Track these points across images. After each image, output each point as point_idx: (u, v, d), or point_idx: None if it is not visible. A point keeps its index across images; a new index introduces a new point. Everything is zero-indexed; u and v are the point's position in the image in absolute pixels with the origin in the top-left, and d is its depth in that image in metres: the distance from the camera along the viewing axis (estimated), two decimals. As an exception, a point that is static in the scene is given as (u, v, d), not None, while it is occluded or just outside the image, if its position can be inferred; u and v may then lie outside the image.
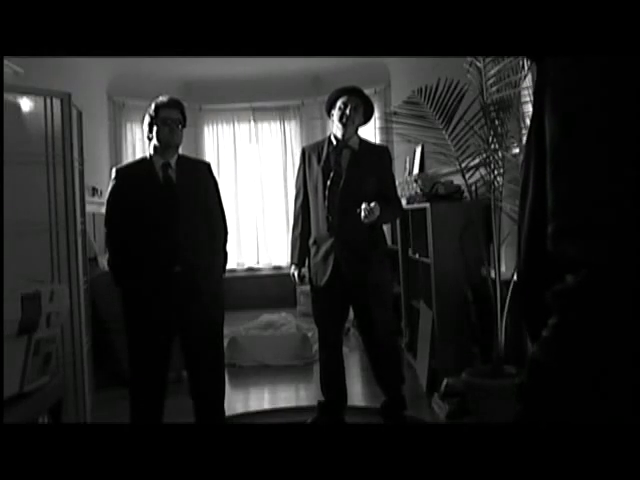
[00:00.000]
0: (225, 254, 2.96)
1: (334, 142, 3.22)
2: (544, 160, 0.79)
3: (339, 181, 3.13)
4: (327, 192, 3.15)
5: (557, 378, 0.74)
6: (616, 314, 0.70)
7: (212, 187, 2.93)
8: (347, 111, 3.14)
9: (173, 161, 2.80)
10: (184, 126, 2.85)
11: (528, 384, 0.80)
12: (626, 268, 0.69)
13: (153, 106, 2.81)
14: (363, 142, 3.26)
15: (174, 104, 2.83)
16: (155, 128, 2.79)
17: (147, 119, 2.82)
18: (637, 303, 0.68)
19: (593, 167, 0.72)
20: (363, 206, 2.98)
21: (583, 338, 0.72)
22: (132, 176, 2.82)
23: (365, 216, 2.98)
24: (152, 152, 2.82)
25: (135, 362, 2.79)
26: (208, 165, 3.01)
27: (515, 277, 3.28)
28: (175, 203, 2.75)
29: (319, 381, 3.45)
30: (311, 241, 3.26)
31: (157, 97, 2.87)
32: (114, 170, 2.87)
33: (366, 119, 3.26)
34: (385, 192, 3.19)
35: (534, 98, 0.86)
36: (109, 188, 2.85)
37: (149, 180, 2.77)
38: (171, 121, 2.77)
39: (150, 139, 2.82)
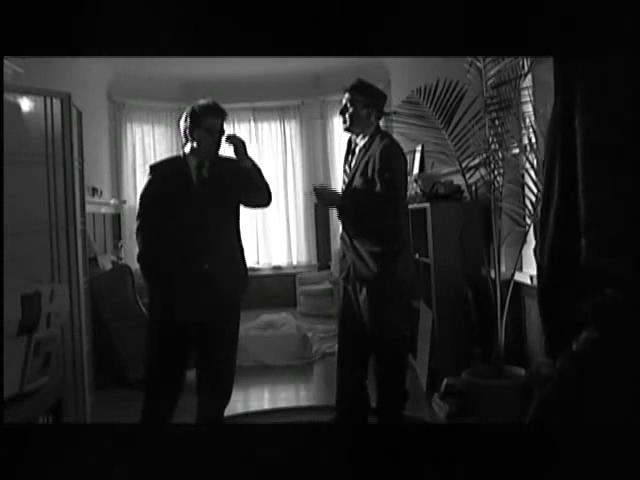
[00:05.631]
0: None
1: (352, 140, 3.14)
2: (572, 165, 0.75)
3: (346, 180, 3.12)
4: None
5: (588, 392, 0.72)
6: None
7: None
8: (346, 115, 3.03)
9: (208, 161, 2.77)
10: (223, 133, 2.77)
11: (552, 396, 0.77)
12: None
13: (198, 110, 2.71)
14: (372, 137, 3.03)
15: (219, 112, 2.73)
16: (197, 135, 2.71)
17: (188, 121, 2.72)
18: None
19: (635, 175, 0.68)
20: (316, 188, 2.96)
21: (621, 355, 0.69)
22: (166, 173, 2.79)
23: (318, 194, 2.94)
24: (188, 152, 2.77)
25: (153, 357, 2.81)
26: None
27: (522, 279, 3.28)
28: (206, 203, 2.73)
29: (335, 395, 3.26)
30: (339, 232, 3.23)
31: (200, 100, 2.76)
32: (148, 166, 2.88)
33: (376, 106, 3.04)
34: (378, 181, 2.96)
35: (559, 99, 0.82)
36: (144, 183, 2.83)
37: (182, 179, 2.74)
38: (215, 130, 2.70)
39: (187, 140, 2.76)
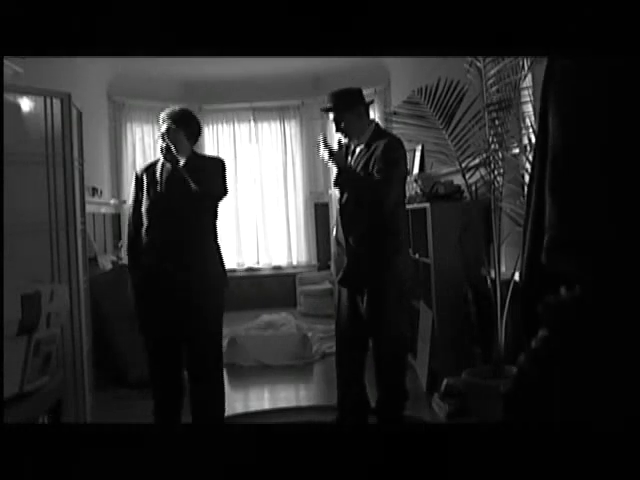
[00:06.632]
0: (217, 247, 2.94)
1: (350, 145, 3.11)
2: (546, 166, 0.77)
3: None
4: (339, 193, 3.14)
5: (542, 390, 0.74)
6: (607, 332, 0.69)
7: (217, 178, 2.86)
8: (336, 129, 3.04)
9: (181, 163, 2.80)
10: (190, 137, 2.81)
11: (512, 393, 0.79)
12: (620, 287, 0.67)
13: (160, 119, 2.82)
14: (372, 137, 3.03)
15: (172, 119, 2.78)
16: (159, 142, 2.80)
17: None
18: (630, 322, 0.67)
19: (592, 178, 0.70)
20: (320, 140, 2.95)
21: (571, 353, 0.71)
22: (144, 176, 2.89)
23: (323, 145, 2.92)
24: None
25: (148, 356, 2.89)
26: (217, 162, 2.92)
27: (515, 279, 3.28)
28: (170, 203, 2.78)
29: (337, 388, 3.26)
30: (334, 237, 3.21)
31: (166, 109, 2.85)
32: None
33: (366, 105, 3.09)
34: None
35: (541, 100, 0.84)
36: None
37: (152, 181, 2.83)
38: (167, 137, 2.76)
39: None
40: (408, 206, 4.46)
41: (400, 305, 3.09)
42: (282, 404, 3.97)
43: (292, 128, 7.88)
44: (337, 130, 3.05)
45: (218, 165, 2.88)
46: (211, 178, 2.80)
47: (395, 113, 3.61)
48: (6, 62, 3.60)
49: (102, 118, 6.78)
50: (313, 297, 7.04)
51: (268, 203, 7.88)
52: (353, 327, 3.10)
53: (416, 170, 5.05)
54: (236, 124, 7.80)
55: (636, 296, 0.67)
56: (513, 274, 3.26)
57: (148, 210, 2.81)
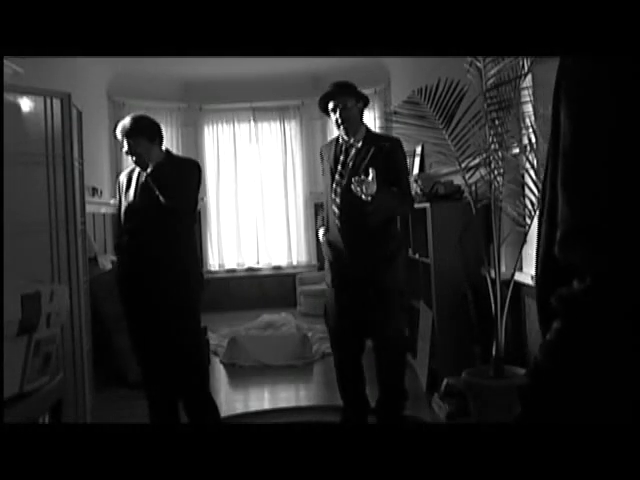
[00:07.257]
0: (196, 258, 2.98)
1: (341, 141, 3.16)
2: (558, 162, 0.78)
3: (342, 182, 3.10)
4: (333, 194, 3.12)
5: (557, 382, 0.74)
6: (620, 323, 0.69)
7: (183, 188, 2.83)
8: (337, 115, 3.07)
9: (149, 170, 2.82)
10: (151, 140, 2.81)
11: (528, 387, 0.80)
12: (632, 277, 0.68)
13: None
14: (368, 136, 3.10)
15: (126, 133, 2.78)
16: None
17: None
18: None
19: (603, 173, 0.71)
20: (355, 178, 2.83)
21: (584, 344, 0.72)
22: (125, 180, 2.97)
23: (358, 184, 2.79)
24: None
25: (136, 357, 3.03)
26: (189, 168, 2.88)
27: (522, 279, 3.28)
28: (141, 208, 2.81)
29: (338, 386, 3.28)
30: (326, 240, 3.22)
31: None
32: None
33: (365, 103, 3.15)
34: (392, 184, 2.98)
35: (553, 98, 0.85)
36: None
37: (129, 186, 2.90)
38: (129, 149, 2.80)
39: None
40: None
41: (400, 305, 3.12)
42: (282, 404, 3.97)
43: (292, 128, 7.88)
44: (338, 117, 3.07)
45: (190, 171, 2.84)
46: (177, 189, 2.74)
47: (395, 113, 3.61)
48: (6, 62, 3.60)
49: (102, 118, 6.78)
50: (313, 297, 7.04)
51: (268, 203, 7.88)
52: (352, 329, 3.11)
53: (416, 170, 5.05)
54: (236, 124, 7.79)
55: None
56: (513, 274, 3.26)
57: (124, 213, 2.86)
